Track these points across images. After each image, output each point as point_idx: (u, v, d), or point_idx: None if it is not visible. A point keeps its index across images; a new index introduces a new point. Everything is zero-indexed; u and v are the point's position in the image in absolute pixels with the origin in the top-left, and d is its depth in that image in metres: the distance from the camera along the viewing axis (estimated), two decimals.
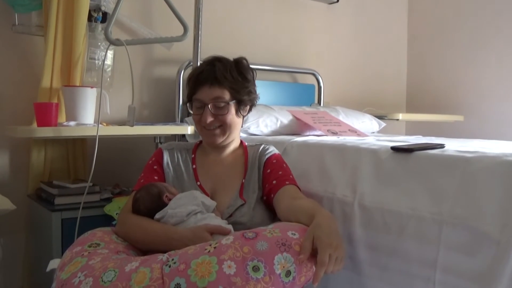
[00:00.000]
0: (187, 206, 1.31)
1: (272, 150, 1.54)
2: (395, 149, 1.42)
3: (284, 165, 1.51)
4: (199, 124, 1.45)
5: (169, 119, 2.44)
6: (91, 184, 1.95)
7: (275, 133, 2.18)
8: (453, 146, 1.53)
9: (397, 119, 2.85)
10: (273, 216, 1.43)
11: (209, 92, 1.41)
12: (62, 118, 2.06)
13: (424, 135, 2.52)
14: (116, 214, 1.84)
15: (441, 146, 1.44)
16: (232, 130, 1.47)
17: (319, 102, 2.90)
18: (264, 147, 1.55)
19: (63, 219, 1.82)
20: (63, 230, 1.81)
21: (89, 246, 1.24)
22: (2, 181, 2.09)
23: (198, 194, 1.37)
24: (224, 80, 1.41)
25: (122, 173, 2.31)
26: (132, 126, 1.71)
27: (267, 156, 1.51)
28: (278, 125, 2.19)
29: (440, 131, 3.21)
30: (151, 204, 1.35)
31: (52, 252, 1.81)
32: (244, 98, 1.46)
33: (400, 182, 1.36)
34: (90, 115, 1.97)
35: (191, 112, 1.49)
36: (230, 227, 1.29)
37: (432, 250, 1.21)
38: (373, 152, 1.47)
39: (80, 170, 2.18)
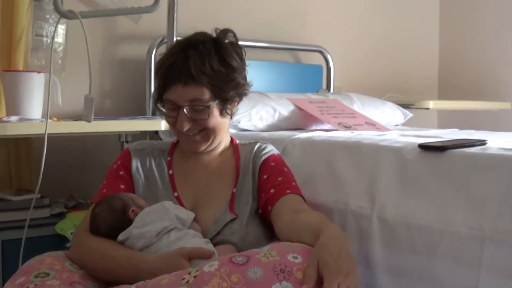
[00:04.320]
0: (157, 223, 1.31)
1: (270, 150, 1.54)
2: (424, 147, 1.42)
3: (285, 168, 1.50)
4: (175, 127, 1.44)
5: (138, 111, 2.43)
6: (39, 195, 1.93)
7: (272, 127, 2.18)
8: (497, 142, 1.53)
9: (427, 108, 2.85)
10: (270, 233, 1.42)
11: (183, 93, 1.38)
12: (1, 112, 2.05)
13: (461, 128, 2.52)
14: (71, 233, 1.83)
15: (482, 142, 1.44)
16: (217, 134, 1.46)
17: (328, 88, 2.89)
18: (259, 146, 1.54)
19: (3, 240, 1.82)
20: (3, 255, 1.81)
21: (36, 277, 1.23)
22: None
23: (170, 206, 1.36)
24: (202, 76, 1.37)
25: (78, 181, 2.29)
26: (89, 121, 1.70)
27: (263, 158, 1.50)
28: (276, 117, 2.19)
29: (481, 122, 3.20)
30: (113, 222, 1.34)
31: None
32: (230, 95, 1.43)
33: (430, 189, 1.35)
34: (36, 107, 1.94)
35: (163, 111, 1.48)
36: (211, 247, 1.28)
37: (472, 275, 1.21)
38: (396, 152, 1.47)
39: (25, 177, 2.17)
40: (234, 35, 1.48)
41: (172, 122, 1.44)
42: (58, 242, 1.81)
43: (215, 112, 1.42)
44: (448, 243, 1.27)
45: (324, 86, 2.92)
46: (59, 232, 1.85)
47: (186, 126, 1.40)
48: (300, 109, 2.23)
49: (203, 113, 1.40)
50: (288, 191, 1.41)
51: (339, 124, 2.11)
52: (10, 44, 2.01)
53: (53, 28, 2.10)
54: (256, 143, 1.56)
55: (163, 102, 1.43)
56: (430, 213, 1.33)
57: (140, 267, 1.24)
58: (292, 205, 1.38)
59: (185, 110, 1.39)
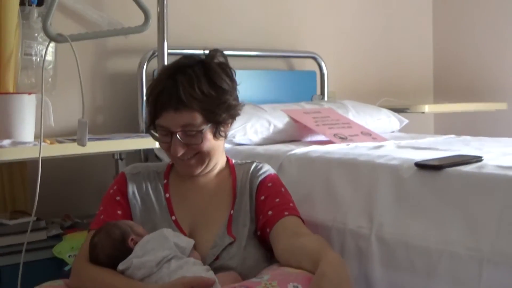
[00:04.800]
0: (157, 252, 1.33)
1: (267, 170, 1.56)
2: (420, 165, 1.45)
3: (283, 189, 1.53)
4: (169, 152, 1.47)
5: (131, 125, 2.44)
6: (35, 218, 1.95)
7: (267, 140, 2.20)
8: (494, 155, 1.56)
9: (423, 112, 2.88)
10: (269, 254, 1.45)
11: (175, 119, 1.40)
12: None
13: (458, 132, 2.56)
14: (69, 256, 1.85)
15: (478, 159, 1.47)
16: (212, 156, 1.48)
17: (322, 94, 2.92)
18: (256, 166, 1.56)
19: (1, 267, 1.83)
20: (1, 282, 1.82)
21: None
22: None
23: (169, 233, 1.38)
24: (192, 101, 1.39)
25: (73, 200, 2.31)
26: (83, 145, 1.72)
27: (260, 179, 1.53)
28: (271, 130, 2.21)
29: (477, 124, 3.25)
30: (112, 251, 1.36)
31: None
32: (223, 117, 1.45)
33: (427, 209, 1.38)
34: (29, 129, 1.96)
35: (156, 136, 1.50)
36: (212, 275, 1.31)
37: None
38: (392, 170, 1.50)
39: (20, 198, 2.18)
40: (223, 55, 1.50)
41: (166, 147, 1.46)
42: (56, 266, 1.83)
43: (208, 135, 1.44)
44: (447, 264, 1.29)
45: (319, 92, 2.94)
46: (56, 255, 1.87)
47: (180, 151, 1.42)
48: (295, 121, 2.26)
49: (196, 137, 1.42)
50: (286, 213, 1.44)
51: (334, 135, 2.14)
52: None
53: (42, 47, 2.11)
54: (252, 162, 1.58)
55: (156, 127, 1.46)
56: (428, 232, 1.35)
57: None
58: (291, 228, 1.40)
59: (178, 136, 1.41)
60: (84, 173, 2.36)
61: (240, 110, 1.53)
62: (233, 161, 1.61)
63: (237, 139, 2.15)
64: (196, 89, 1.39)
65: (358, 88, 3.15)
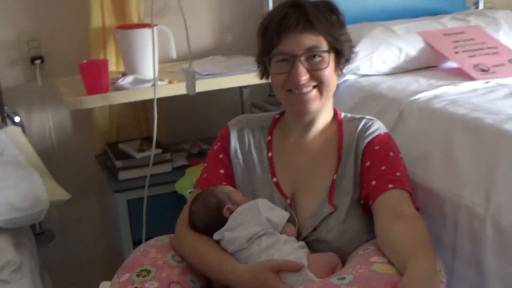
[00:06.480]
0: (248, 228, 1.31)
1: (376, 129, 1.43)
2: None
3: (391, 153, 1.39)
4: (282, 88, 1.40)
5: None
6: (160, 151, 2.04)
7: (397, 69, 2.01)
8: None
9: None
10: (372, 226, 1.34)
11: (300, 41, 1.35)
12: (120, 66, 2.14)
13: None
14: (190, 193, 1.92)
15: None
16: (329, 92, 1.42)
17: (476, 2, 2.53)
18: (365, 124, 1.44)
19: (128, 200, 1.96)
20: (130, 213, 1.97)
21: (138, 276, 1.32)
22: (66, 139, 2.28)
23: (264, 206, 1.35)
24: (319, 23, 1.35)
25: (202, 126, 2.36)
26: (192, 94, 1.71)
27: (367, 140, 1.41)
28: (402, 59, 2.00)
29: None
30: (209, 220, 1.38)
31: (121, 234, 2.00)
32: (343, 49, 1.41)
33: None
34: (151, 64, 1.99)
35: (269, 69, 1.43)
36: (303, 255, 1.27)
37: None
38: None
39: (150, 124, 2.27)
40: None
41: (281, 81, 1.39)
42: (178, 201, 1.91)
43: (332, 63, 1.39)
44: None
45: None
46: (178, 191, 1.94)
47: (304, 76, 1.35)
48: (431, 46, 2.02)
49: (322, 62, 1.36)
50: (390, 186, 1.32)
51: (474, 66, 1.89)
52: None
53: None
54: (361, 119, 1.46)
55: (271, 57, 1.39)
56: None
57: (229, 277, 1.29)
58: (392, 206, 1.29)
59: (301, 59, 1.35)
60: (211, 99, 2.36)
61: (354, 55, 1.48)
62: (342, 115, 1.51)
63: (363, 71, 1.98)
64: (322, 13, 1.37)
65: None
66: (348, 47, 1.43)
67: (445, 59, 2.02)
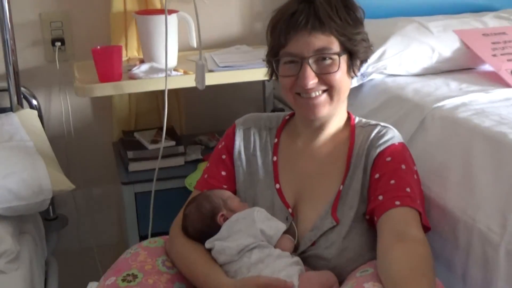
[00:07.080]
0: (240, 239, 1.24)
1: (390, 138, 1.32)
2: None
3: (403, 166, 1.28)
4: (290, 90, 1.32)
5: None
6: (173, 143, 1.98)
7: (428, 70, 1.86)
8: None
9: None
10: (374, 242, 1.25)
11: (309, 41, 1.25)
12: (139, 52, 2.09)
13: None
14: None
15: None
16: (341, 96, 1.32)
17: None
18: (378, 132, 1.34)
19: (136, 193, 1.91)
20: (137, 206, 1.91)
21: (123, 280, 1.27)
22: (85, 125, 2.25)
23: (259, 216, 1.27)
24: (331, 23, 1.26)
25: (223, 118, 2.29)
26: (202, 88, 1.63)
27: (379, 150, 1.30)
28: (435, 59, 1.85)
29: None
30: (201, 227, 1.31)
31: (127, 227, 1.96)
32: (358, 50, 1.31)
33: None
34: (170, 52, 1.91)
35: (276, 72, 1.35)
36: (295, 272, 1.19)
37: None
38: None
39: (173, 111, 2.22)
40: None
41: (289, 84, 1.31)
42: (188, 197, 1.84)
43: (344, 66, 1.29)
44: None
45: None
46: (187, 187, 1.88)
47: (312, 80, 1.26)
48: (468, 46, 1.87)
49: (332, 65, 1.27)
50: (397, 203, 1.22)
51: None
52: None
53: None
54: (376, 125, 1.36)
55: (279, 58, 1.31)
56: None
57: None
58: (396, 225, 1.19)
59: (309, 62, 1.25)
60: (233, 90, 2.28)
61: (370, 54, 1.38)
62: (356, 119, 1.40)
63: (390, 70, 1.85)
64: (334, 11, 1.27)
65: None
66: (363, 47, 1.33)
67: (481, 61, 1.87)
